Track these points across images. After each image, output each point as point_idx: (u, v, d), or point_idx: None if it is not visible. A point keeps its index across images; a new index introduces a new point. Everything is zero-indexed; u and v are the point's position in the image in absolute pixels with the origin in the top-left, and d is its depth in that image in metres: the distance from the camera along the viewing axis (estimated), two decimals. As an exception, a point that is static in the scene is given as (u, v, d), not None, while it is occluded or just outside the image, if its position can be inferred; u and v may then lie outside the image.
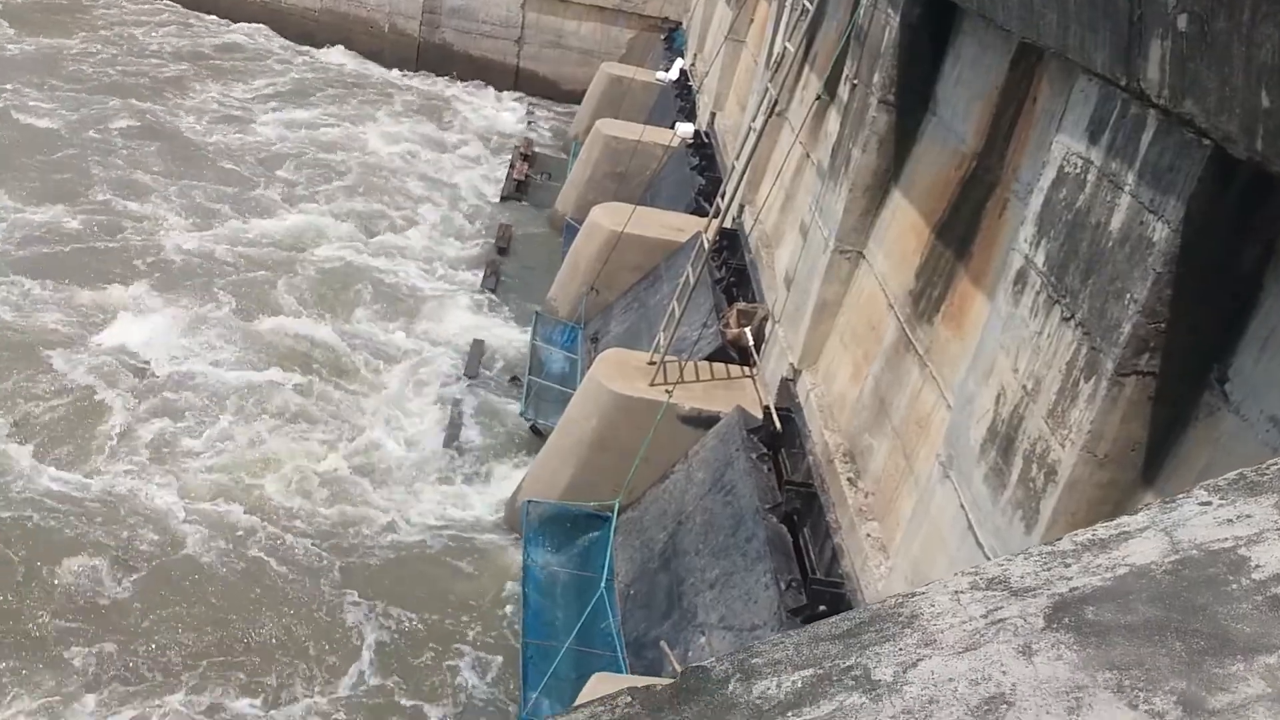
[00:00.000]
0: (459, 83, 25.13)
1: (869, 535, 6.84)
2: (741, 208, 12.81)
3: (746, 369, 9.93)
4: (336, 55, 25.07)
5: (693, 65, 20.85)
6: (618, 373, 9.56)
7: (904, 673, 1.52)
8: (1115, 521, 1.87)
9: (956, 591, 1.71)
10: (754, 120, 10.25)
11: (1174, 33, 4.00)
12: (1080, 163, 4.90)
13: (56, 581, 8.65)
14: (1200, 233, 4.07)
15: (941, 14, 7.74)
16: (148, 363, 11.87)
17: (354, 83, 23.64)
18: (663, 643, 6.89)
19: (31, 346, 11.72)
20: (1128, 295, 4.33)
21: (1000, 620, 1.60)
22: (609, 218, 13.79)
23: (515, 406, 11.90)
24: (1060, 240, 4.96)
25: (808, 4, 9.04)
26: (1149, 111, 4.37)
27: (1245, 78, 3.59)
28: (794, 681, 1.52)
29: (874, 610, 1.70)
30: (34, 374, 11.29)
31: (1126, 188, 4.46)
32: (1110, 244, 4.54)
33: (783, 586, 6.84)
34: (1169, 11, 4.00)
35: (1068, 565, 1.73)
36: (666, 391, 9.04)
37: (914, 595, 1.71)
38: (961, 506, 5.39)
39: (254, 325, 13.00)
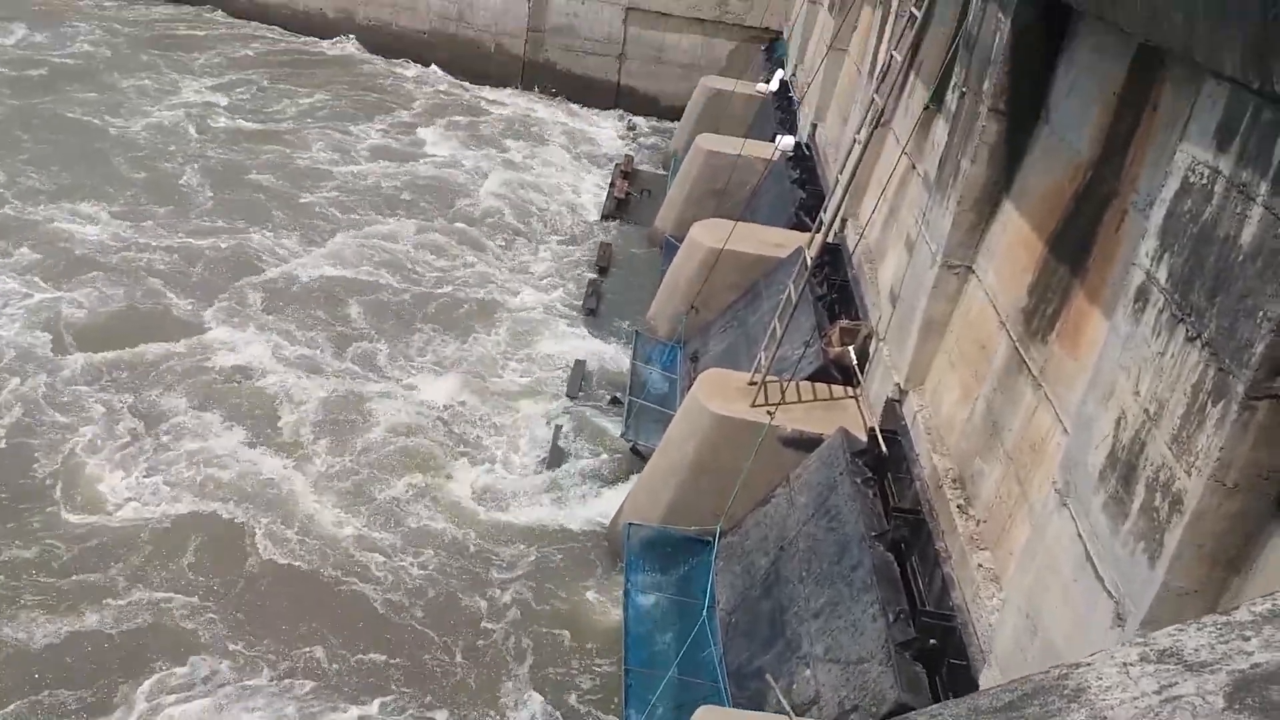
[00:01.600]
0: (563, 100, 25.40)
1: (980, 565, 6.53)
2: (844, 222, 12.53)
3: (850, 389, 9.66)
4: (438, 74, 25.69)
5: (793, 76, 20.59)
6: (718, 393, 9.41)
7: (1077, 754, 1.38)
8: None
9: (1125, 663, 1.55)
10: (858, 132, 9.99)
11: (1312, 31, 3.69)
12: (1207, 172, 4.57)
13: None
14: (1343, 247, 3.74)
15: (1055, 17, 7.41)
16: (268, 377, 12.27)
17: (458, 102, 24.11)
18: (767, 675, 6.69)
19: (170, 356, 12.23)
20: (1260, 313, 4.01)
21: (1176, 698, 1.45)
22: (708, 235, 13.67)
23: (617, 427, 11.86)
24: (1185, 255, 4.64)
25: (915, 10, 8.77)
26: (1285, 116, 4.04)
27: (1396, 78, 3.27)
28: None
29: (1036, 682, 1.57)
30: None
31: (1259, 198, 4.14)
32: (1241, 258, 4.21)
33: (891, 618, 6.58)
34: (1306, 8, 3.69)
35: (1247, 638, 1.56)
36: (768, 413, 8.85)
37: (1079, 666, 1.58)
38: (1079, 536, 5.09)
39: (347, 339, 13.31)
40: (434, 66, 25.99)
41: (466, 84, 25.53)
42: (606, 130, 24.24)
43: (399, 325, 14.03)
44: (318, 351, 13.11)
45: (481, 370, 13.20)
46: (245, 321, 13.53)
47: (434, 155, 20.66)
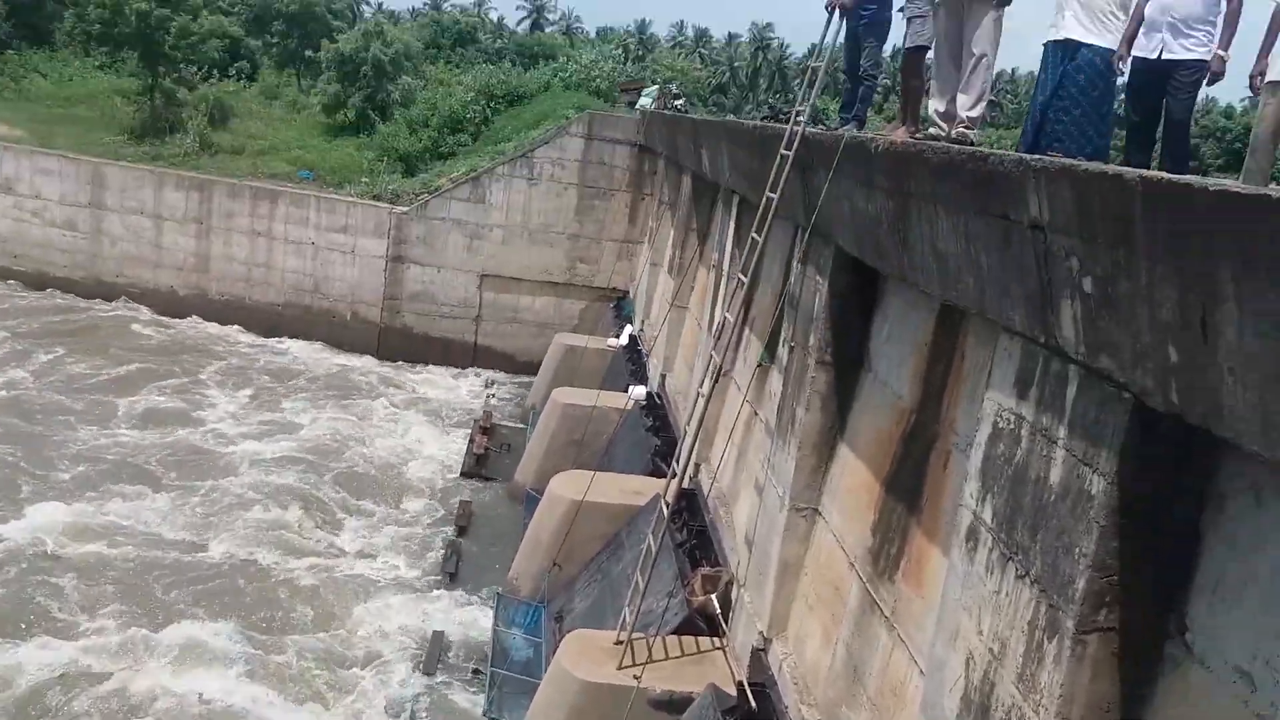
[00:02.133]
0: (418, 364, 25.68)
1: (858, 821, 6.32)
2: (698, 466, 12.80)
3: (716, 640, 9.54)
4: (299, 346, 25.70)
5: (641, 330, 21.52)
6: (584, 657, 9.13)
7: None
8: None
9: None
10: (701, 386, 10.41)
11: (1081, 294, 4.14)
12: (1013, 418, 4.93)
13: None
14: (1136, 483, 4.05)
15: (868, 276, 8.06)
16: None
17: (315, 373, 24.06)
18: None
19: None
20: (1076, 549, 4.24)
21: None
22: (568, 487, 13.69)
23: (479, 704, 11.23)
24: (1004, 495, 4.91)
25: (742, 276, 9.43)
26: (1070, 367, 4.45)
27: (1152, 334, 3.67)
28: None
29: None
30: None
31: (1060, 441, 4.47)
32: (1053, 498, 4.49)
33: None
34: (1075, 275, 4.15)
35: None
36: (635, 677, 8.61)
37: None
38: (948, 787, 5.02)
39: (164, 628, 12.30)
40: (291, 339, 26.06)
41: (322, 352, 25.62)
42: (464, 388, 24.50)
43: (216, 609, 13.14)
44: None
45: (326, 656, 12.22)
46: None
47: (291, 421, 20.33)
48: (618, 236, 25.69)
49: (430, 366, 25.71)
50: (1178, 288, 3.42)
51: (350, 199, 26.15)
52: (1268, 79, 5.95)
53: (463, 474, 18.70)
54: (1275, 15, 5.96)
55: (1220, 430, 3.39)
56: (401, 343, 26.07)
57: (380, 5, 69.56)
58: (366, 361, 25.40)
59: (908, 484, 6.81)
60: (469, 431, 20.71)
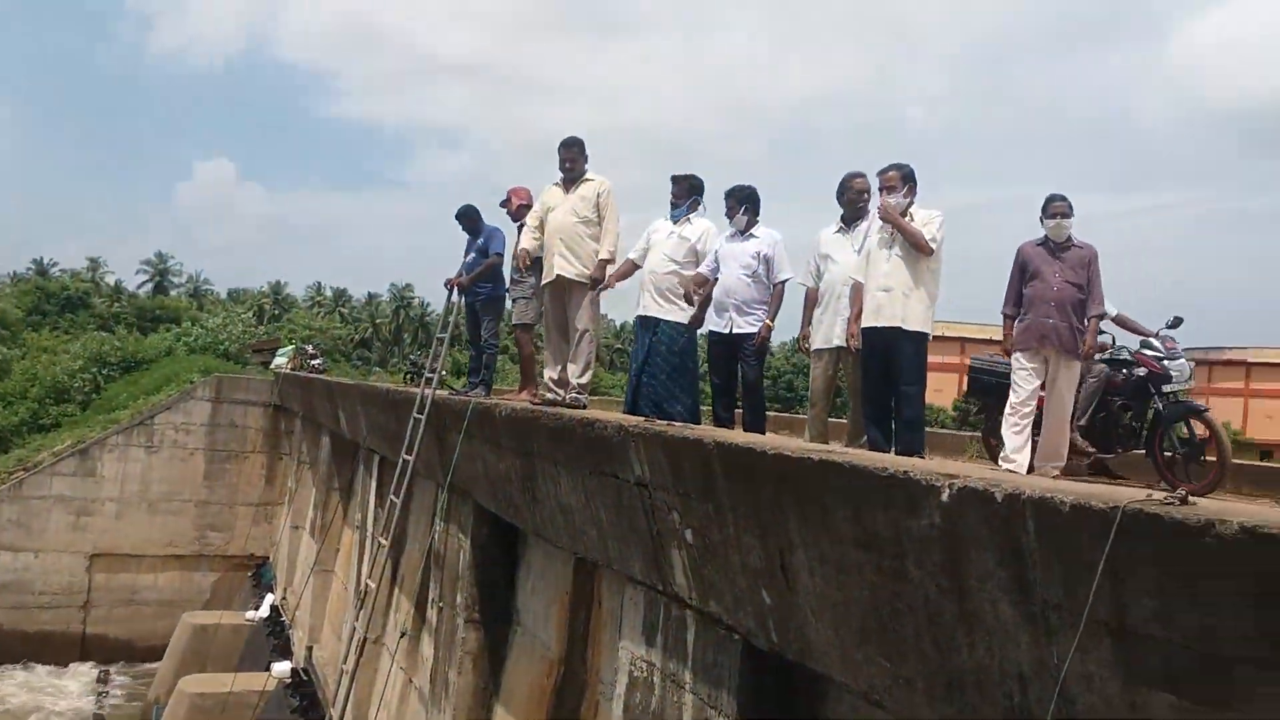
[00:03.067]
0: (7, 664, 22.10)
1: None
2: (352, 748, 11.91)
3: None
4: None
5: (284, 599, 20.15)
6: None
7: None
8: None
9: None
10: (344, 661, 9.90)
11: (686, 544, 4.54)
12: (645, 665, 5.18)
13: None
14: (754, 721, 4.36)
15: (508, 530, 8.25)
16: None
17: None
18: None
19: None
20: (716, 790, 4.43)
21: None
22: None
23: None
24: (648, 745, 5.07)
25: (383, 540, 9.30)
26: (687, 612, 4.80)
27: (746, 579, 4.10)
28: None
29: None
30: None
31: (687, 686, 4.75)
32: (688, 742, 4.70)
33: None
34: (678, 527, 4.57)
35: None
36: None
37: None
38: None
39: None
40: None
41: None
42: (74, 688, 21.30)
43: None
44: None
45: None
46: None
47: None
48: (254, 500, 24.30)
49: (25, 666, 22.21)
50: (758, 537, 3.89)
51: (-77, 485, 22.84)
52: (813, 347, 7.12)
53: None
54: (807, 296, 7.23)
55: (813, 664, 3.80)
56: (-10, 643, 22.44)
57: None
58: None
59: (562, 739, 6.80)
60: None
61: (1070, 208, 6.61)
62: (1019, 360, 6.59)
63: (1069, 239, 6.60)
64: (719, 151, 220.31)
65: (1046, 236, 6.63)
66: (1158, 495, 2.46)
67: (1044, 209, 6.68)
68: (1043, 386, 6.59)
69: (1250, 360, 51.42)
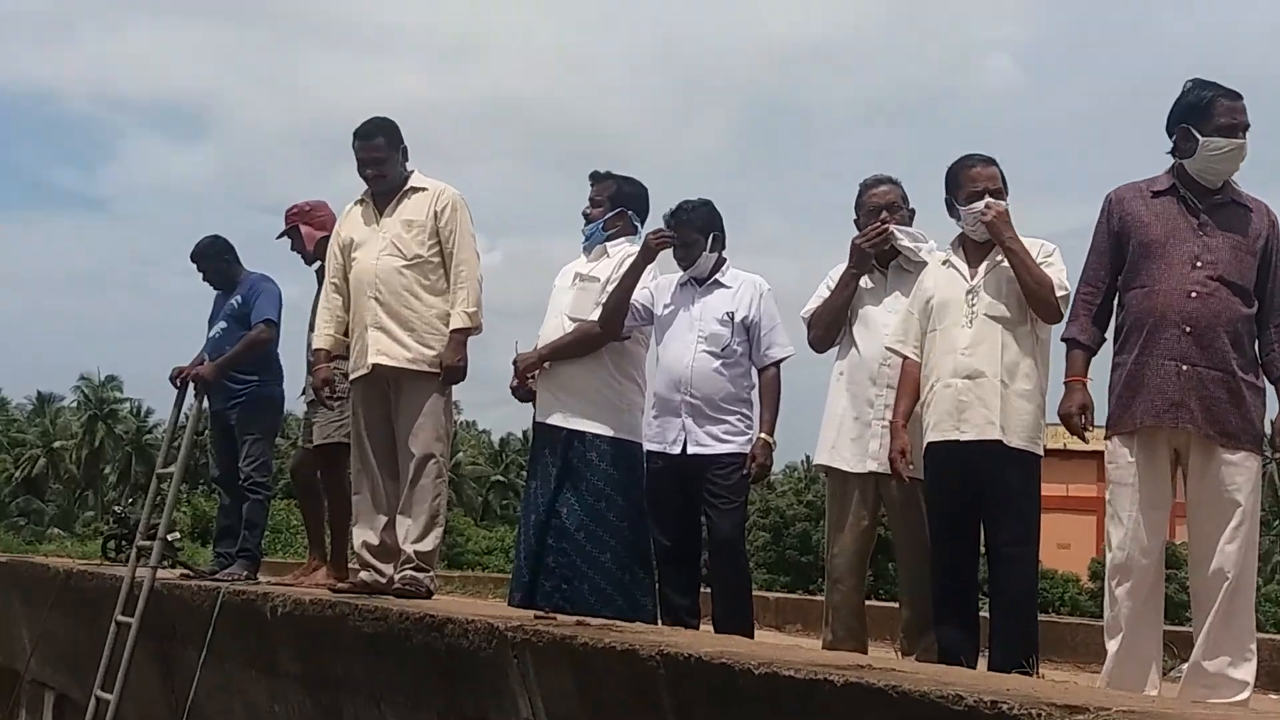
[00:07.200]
0: None
1: None
2: None
3: None
4: None
5: None
6: None
7: None
8: None
9: None
10: None
11: None
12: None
13: None
14: None
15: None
16: None
17: None
18: None
19: None
20: None
21: None
22: None
23: None
24: None
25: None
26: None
27: None
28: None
29: None
30: None
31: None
32: None
33: None
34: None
35: None
36: None
37: None
38: None
39: None
40: None
41: None
42: None
43: None
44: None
45: None
46: None
47: None
48: None
49: None
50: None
51: None
52: (827, 464, 4.30)
53: None
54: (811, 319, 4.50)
55: None
56: None
57: None
58: None
59: None
60: None
61: (1247, 120, 3.41)
62: (1117, 455, 3.52)
63: (1225, 185, 3.47)
64: (654, 139, 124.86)
65: (1179, 168, 3.48)
66: None
67: (1189, 111, 3.42)
68: (1181, 511, 3.85)
69: None
